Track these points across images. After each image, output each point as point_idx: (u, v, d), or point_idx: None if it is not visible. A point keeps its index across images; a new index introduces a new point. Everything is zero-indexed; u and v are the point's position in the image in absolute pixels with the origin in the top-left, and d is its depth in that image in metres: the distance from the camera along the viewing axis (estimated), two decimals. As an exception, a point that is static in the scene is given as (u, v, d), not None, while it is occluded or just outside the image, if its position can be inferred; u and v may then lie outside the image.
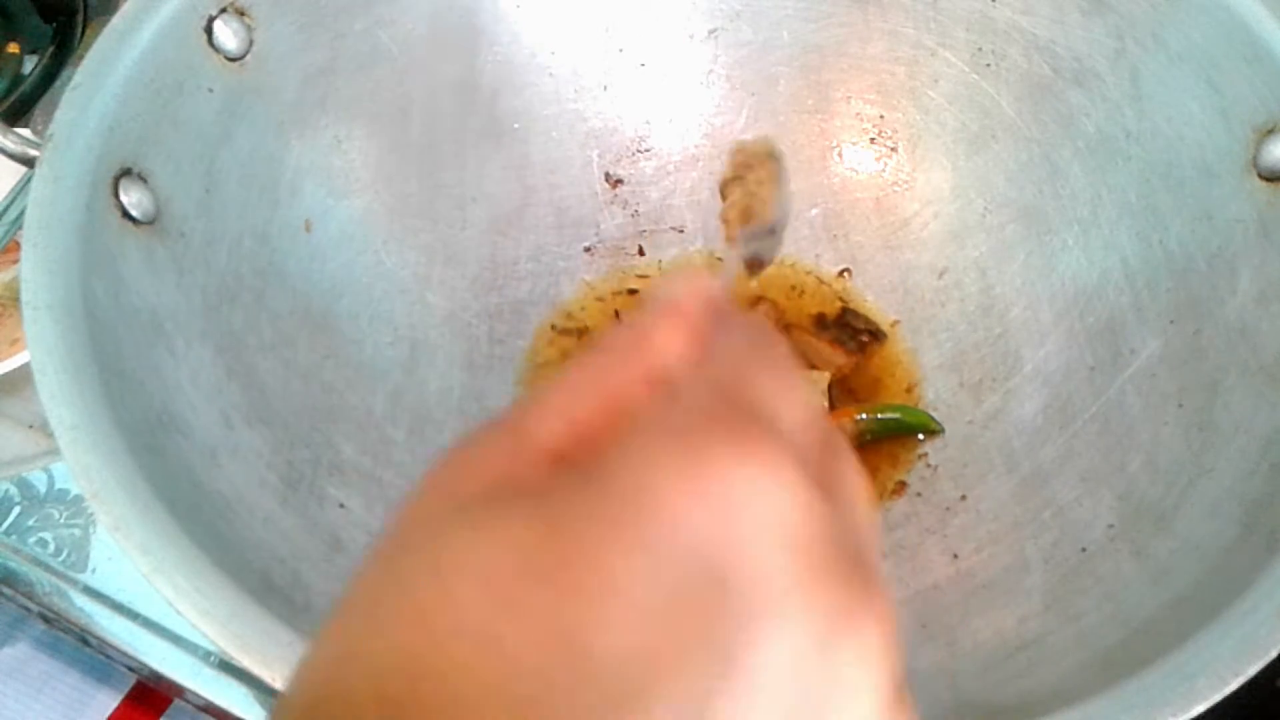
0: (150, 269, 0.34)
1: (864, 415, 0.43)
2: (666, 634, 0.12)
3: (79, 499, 0.44)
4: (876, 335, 0.46)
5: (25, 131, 0.40)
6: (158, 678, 0.40)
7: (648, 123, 0.50)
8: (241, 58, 0.40)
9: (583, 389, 0.15)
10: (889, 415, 0.43)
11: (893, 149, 0.49)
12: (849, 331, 0.46)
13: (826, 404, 0.44)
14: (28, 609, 0.42)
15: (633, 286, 0.48)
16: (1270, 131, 0.37)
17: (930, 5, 0.46)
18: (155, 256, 0.35)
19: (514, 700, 0.11)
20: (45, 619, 0.41)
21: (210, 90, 0.38)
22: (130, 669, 0.41)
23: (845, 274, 0.48)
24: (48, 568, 0.42)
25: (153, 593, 0.26)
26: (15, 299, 0.42)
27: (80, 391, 0.29)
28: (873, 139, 0.49)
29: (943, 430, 0.43)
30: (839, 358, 0.46)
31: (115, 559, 0.42)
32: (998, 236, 0.46)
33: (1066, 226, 0.44)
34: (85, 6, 0.64)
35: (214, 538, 0.28)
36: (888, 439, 0.43)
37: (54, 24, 0.64)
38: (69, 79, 0.36)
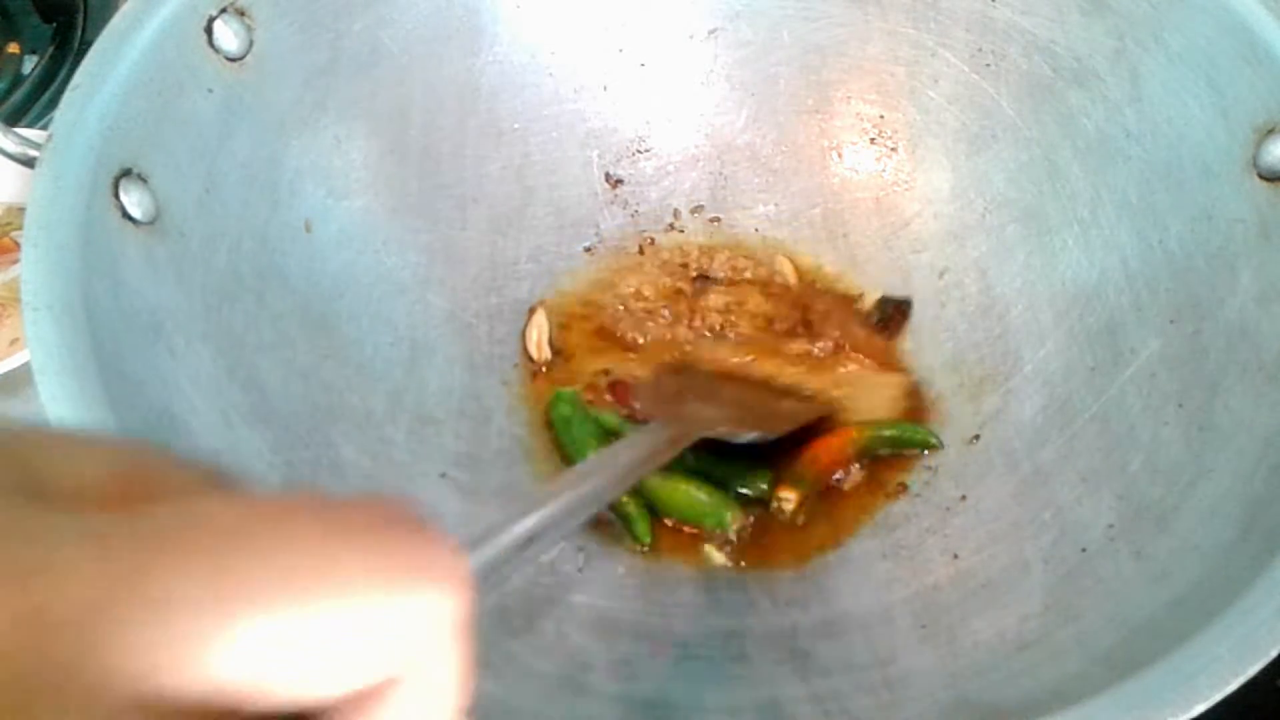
0: (150, 269, 0.34)
1: (864, 435, 0.42)
2: None
3: (79, 499, 0.44)
4: (902, 307, 0.46)
5: (25, 131, 0.40)
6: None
7: (648, 123, 0.50)
8: (241, 58, 0.40)
9: None
10: (889, 433, 0.43)
11: (893, 149, 0.49)
12: (888, 311, 0.46)
13: (901, 405, 0.44)
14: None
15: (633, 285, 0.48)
16: (1270, 131, 0.37)
17: (930, 5, 0.46)
18: (155, 256, 0.35)
19: None
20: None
21: (210, 90, 0.38)
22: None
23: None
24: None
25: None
26: (15, 299, 0.42)
27: (80, 391, 0.29)
28: (873, 139, 0.49)
29: (943, 445, 0.42)
30: (879, 342, 0.46)
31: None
32: (998, 236, 0.46)
33: (1066, 226, 0.44)
34: (85, 6, 0.64)
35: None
36: (889, 456, 0.43)
37: (54, 24, 0.64)
38: (69, 79, 0.36)
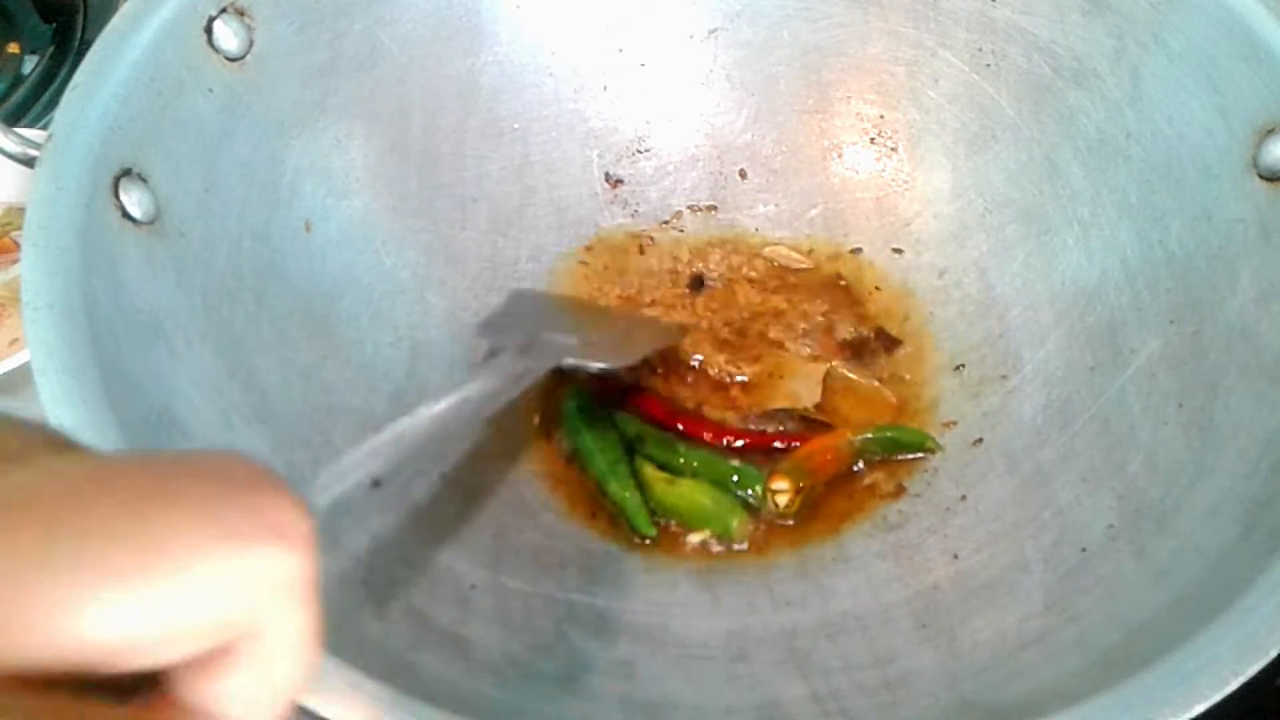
0: (150, 269, 0.34)
1: (861, 436, 0.42)
2: None
3: (79, 499, 0.44)
4: (888, 343, 0.46)
5: (25, 131, 0.40)
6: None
7: (648, 123, 0.50)
8: (241, 58, 0.40)
9: None
10: (885, 435, 0.42)
11: (893, 149, 0.49)
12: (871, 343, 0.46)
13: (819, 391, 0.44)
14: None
15: (632, 290, 0.48)
16: (1270, 131, 0.37)
17: (930, 5, 0.46)
18: (155, 256, 0.35)
19: None
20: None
21: (210, 90, 0.38)
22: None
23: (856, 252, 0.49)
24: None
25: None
26: (15, 299, 0.42)
27: (80, 391, 0.29)
28: (873, 139, 0.49)
29: (941, 449, 0.42)
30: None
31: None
32: (998, 236, 0.46)
33: (1066, 226, 0.44)
34: (85, 6, 0.64)
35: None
36: (886, 459, 0.42)
37: (54, 24, 0.64)
38: (69, 79, 0.36)
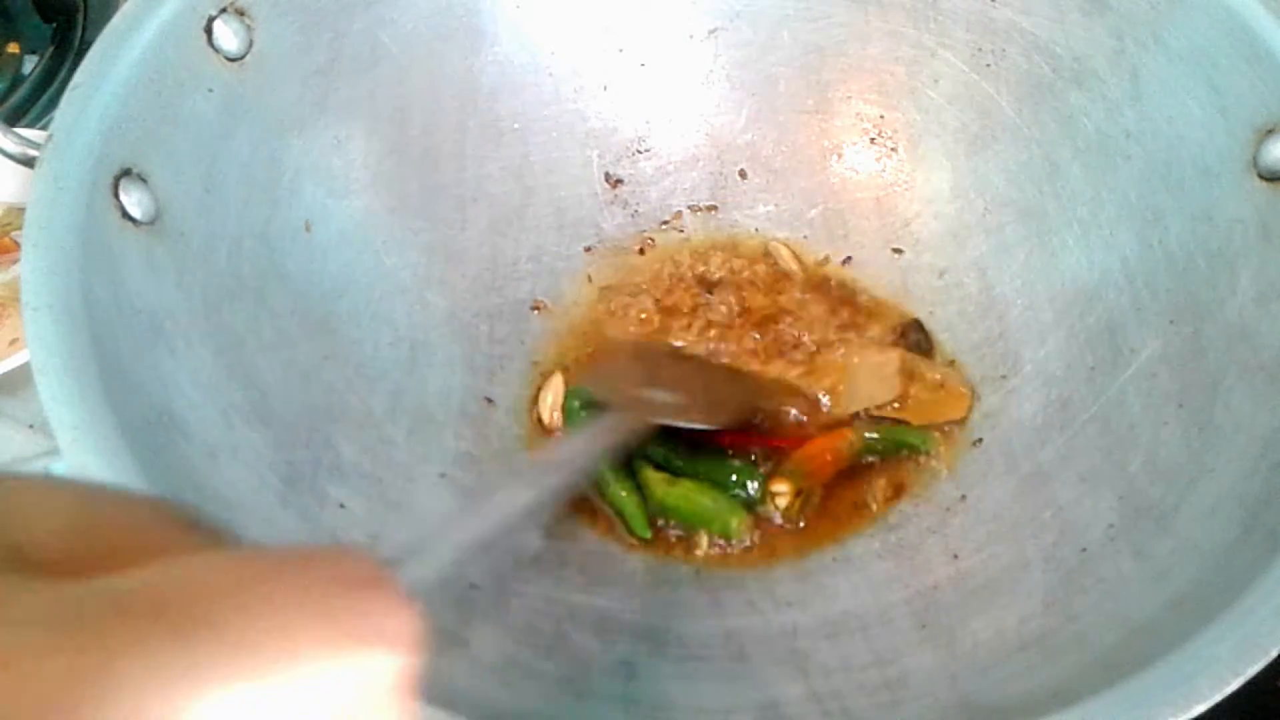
0: (150, 269, 0.34)
1: (863, 435, 0.42)
2: None
3: (79, 499, 0.44)
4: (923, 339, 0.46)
5: (25, 131, 0.40)
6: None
7: (648, 123, 0.50)
8: (241, 58, 0.40)
9: None
10: (884, 436, 0.42)
11: (893, 149, 0.49)
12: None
13: (899, 382, 0.43)
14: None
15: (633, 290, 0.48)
16: (1270, 131, 0.37)
17: (930, 5, 0.46)
18: (155, 256, 0.35)
19: None
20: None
21: (210, 90, 0.38)
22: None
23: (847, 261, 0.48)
24: (48, 568, 0.41)
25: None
26: (15, 299, 0.42)
27: (80, 391, 0.29)
28: (873, 139, 0.49)
29: (937, 450, 0.42)
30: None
31: (115, 559, 0.41)
32: (998, 236, 0.46)
33: (1066, 226, 0.44)
34: (85, 6, 0.64)
35: (214, 538, 0.28)
36: (887, 460, 0.42)
37: (54, 24, 0.64)
38: (69, 79, 0.36)
